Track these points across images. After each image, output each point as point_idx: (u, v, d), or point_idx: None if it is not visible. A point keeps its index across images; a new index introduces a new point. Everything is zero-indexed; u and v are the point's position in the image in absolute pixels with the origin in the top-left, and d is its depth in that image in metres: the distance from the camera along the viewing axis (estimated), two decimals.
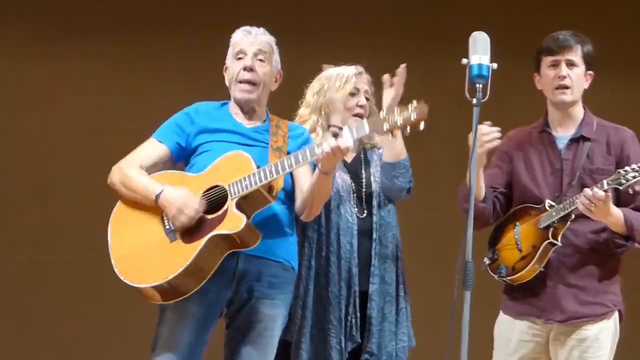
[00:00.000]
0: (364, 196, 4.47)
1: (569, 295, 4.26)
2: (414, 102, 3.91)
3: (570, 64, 4.31)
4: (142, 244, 4.02)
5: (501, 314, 4.43)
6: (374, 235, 4.42)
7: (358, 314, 4.36)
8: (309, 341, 4.33)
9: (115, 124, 6.38)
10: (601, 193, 4.07)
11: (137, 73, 6.57)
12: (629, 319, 4.40)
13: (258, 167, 4.00)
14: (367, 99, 4.52)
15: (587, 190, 4.11)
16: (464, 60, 3.80)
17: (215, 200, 4.00)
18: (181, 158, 4.22)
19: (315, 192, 4.09)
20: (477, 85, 3.78)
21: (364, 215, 4.45)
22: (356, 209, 4.44)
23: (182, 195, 3.98)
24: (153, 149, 4.19)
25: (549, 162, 4.36)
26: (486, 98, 3.78)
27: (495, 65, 3.81)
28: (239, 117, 4.24)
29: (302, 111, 4.56)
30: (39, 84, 6.54)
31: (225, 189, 3.98)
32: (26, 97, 6.54)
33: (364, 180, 4.49)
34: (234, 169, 4.00)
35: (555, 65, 4.32)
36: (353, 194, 4.45)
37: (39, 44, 6.54)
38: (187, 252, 3.92)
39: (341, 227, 4.39)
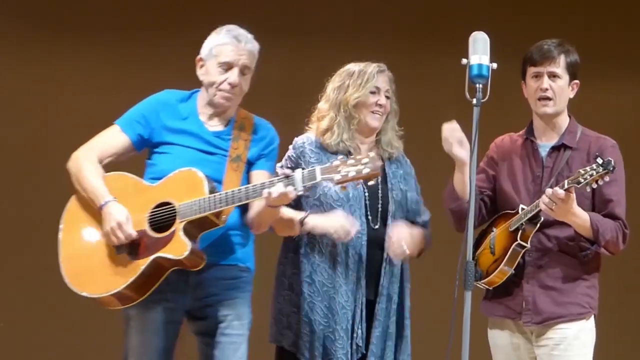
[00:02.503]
0: (379, 208, 4.42)
1: (544, 296, 4.29)
2: (370, 154, 3.97)
3: (553, 76, 4.31)
4: (90, 249, 4.07)
5: (489, 324, 4.46)
6: (386, 254, 4.38)
7: (364, 324, 4.34)
8: (316, 353, 4.30)
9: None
10: (560, 192, 4.07)
11: (136, 71, 6.56)
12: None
13: (211, 188, 4.03)
14: (387, 97, 4.49)
15: (548, 190, 4.13)
16: (464, 60, 3.80)
17: (164, 218, 4.03)
18: (143, 147, 4.22)
19: (261, 219, 4.15)
20: (477, 85, 3.78)
21: (377, 226, 4.41)
22: (370, 218, 4.40)
23: (121, 216, 4.01)
24: (115, 138, 4.19)
25: (531, 170, 4.39)
26: (486, 98, 3.79)
27: (495, 65, 3.81)
28: (204, 116, 4.21)
29: (322, 105, 4.50)
30: (37, 82, 6.53)
31: (175, 209, 4.01)
32: (25, 95, 6.53)
33: (380, 192, 4.44)
34: (187, 188, 4.02)
35: (537, 76, 4.33)
36: (365, 202, 4.41)
37: (38, 43, 6.54)
38: (132, 269, 3.98)
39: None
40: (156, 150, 4.18)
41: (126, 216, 4.00)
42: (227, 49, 4.16)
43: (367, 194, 4.40)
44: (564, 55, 4.33)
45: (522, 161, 4.41)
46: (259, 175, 4.18)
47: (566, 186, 4.09)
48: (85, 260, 4.06)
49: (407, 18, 6.83)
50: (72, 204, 4.16)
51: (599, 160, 4.04)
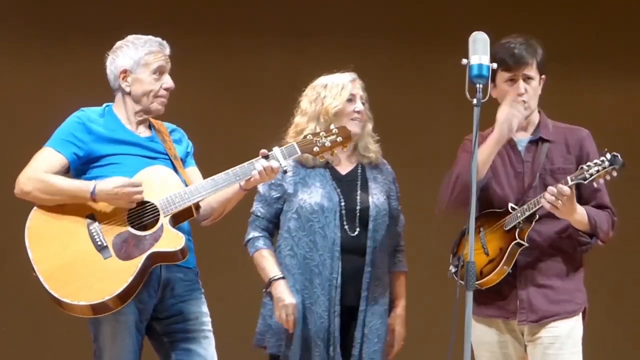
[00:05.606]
0: (358, 214, 4.47)
1: (539, 295, 4.27)
2: (333, 125, 4.17)
3: (527, 79, 4.27)
4: (71, 259, 4.01)
5: (473, 322, 4.41)
6: (367, 259, 4.44)
7: (337, 334, 4.39)
8: None
9: None
10: (566, 189, 4.08)
11: None
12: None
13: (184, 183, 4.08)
14: (362, 103, 4.53)
15: (551, 188, 4.12)
16: (464, 60, 3.80)
17: (146, 216, 4.04)
18: (75, 166, 4.18)
19: (228, 205, 4.21)
20: (477, 85, 3.78)
21: (356, 232, 4.46)
22: (347, 226, 4.45)
23: (117, 180, 3.99)
24: (52, 159, 4.14)
25: (511, 166, 4.35)
26: (486, 98, 3.79)
27: (495, 65, 3.82)
28: (131, 126, 4.23)
29: (299, 120, 4.55)
30: (37, 84, 6.53)
31: (155, 205, 4.03)
32: (23, 97, 6.53)
33: (358, 198, 4.49)
34: (160, 185, 4.06)
35: (512, 80, 4.28)
36: (341, 211, 4.45)
37: (38, 44, 6.54)
38: (127, 270, 3.96)
39: (326, 248, 4.41)
40: (97, 164, 4.15)
41: (119, 178, 3.99)
42: (156, 57, 4.24)
43: (343, 203, 4.43)
44: (534, 56, 4.28)
45: (502, 157, 4.35)
46: (192, 172, 4.27)
47: (570, 183, 4.09)
48: (71, 270, 3.99)
49: (407, 18, 6.83)
50: (34, 221, 4.10)
51: (607, 156, 4.05)
